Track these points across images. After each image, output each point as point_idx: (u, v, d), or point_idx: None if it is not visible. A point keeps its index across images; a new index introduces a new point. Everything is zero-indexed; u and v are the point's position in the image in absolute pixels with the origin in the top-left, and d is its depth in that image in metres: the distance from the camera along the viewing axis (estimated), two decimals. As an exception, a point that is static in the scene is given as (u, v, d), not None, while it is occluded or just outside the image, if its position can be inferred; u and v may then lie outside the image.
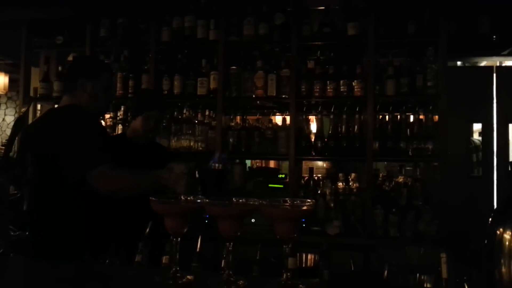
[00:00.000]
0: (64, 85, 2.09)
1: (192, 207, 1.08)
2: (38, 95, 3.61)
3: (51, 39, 3.61)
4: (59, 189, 1.76)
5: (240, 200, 1.10)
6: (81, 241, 1.71)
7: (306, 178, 3.42)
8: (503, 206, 1.36)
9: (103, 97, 1.94)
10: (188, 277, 1.07)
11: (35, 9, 3.60)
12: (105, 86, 1.94)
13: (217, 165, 1.46)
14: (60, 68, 3.60)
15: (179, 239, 1.08)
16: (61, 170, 1.73)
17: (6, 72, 5.93)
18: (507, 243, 1.17)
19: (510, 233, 1.16)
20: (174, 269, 1.06)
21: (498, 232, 1.18)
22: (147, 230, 1.36)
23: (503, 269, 1.18)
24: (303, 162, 3.63)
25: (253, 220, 2.90)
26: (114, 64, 3.49)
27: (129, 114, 3.16)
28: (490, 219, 1.23)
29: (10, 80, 5.98)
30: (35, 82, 3.73)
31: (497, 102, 3.70)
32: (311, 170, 3.41)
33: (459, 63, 4.04)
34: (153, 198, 1.06)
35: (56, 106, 3.12)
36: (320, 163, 4.27)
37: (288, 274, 1.05)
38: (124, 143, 2.34)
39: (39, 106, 3.72)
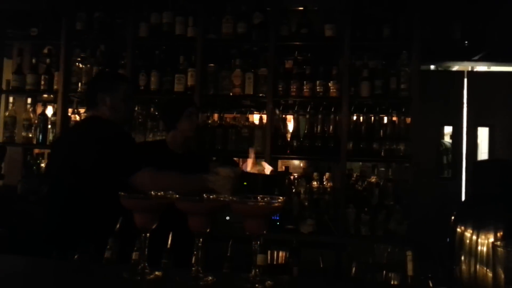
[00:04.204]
0: (86, 103, 2.22)
1: (161, 202, 1.08)
2: (10, 88, 3.53)
3: (25, 30, 3.53)
4: (84, 193, 1.82)
5: (211, 196, 1.11)
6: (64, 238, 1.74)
7: (282, 176, 3.45)
8: (464, 206, 1.42)
9: (123, 107, 2.02)
10: (157, 273, 1.07)
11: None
12: (124, 97, 2.02)
13: (265, 170, 1.46)
14: (34, 60, 3.53)
15: (148, 234, 1.08)
16: (97, 178, 1.79)
17: (-23, 63, 5.75)
18: (467, 241, 1.22)
19: (471, 231, 1.22)
20: (142, 265, 1.07)
21: (459, 230, 1.23)
22: (117, 226, 1.35)
23: (463, 267, 1.23)
24: (279, 161, 3.65)
25: (227, 218, 2.92)
26: (90, 59, 3.45)
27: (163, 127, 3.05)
28: (452, 218, 1.28)
29: (-18, 72, 5.81)
30: (8, 74, 3.64)
31: (467, 106, 3.81)
32: (286, 169, 3.44)
33: (432, 67, 4.14)
34: (122, 193, 1.07)
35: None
36: (296, 162, 4.31)
37: (257, 270, 1.06)
38: (165, 151, 2.36)
39: (11, 99, 3.63)
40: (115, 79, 2.12)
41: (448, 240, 1.29)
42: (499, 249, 0.69)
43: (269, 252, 2.37)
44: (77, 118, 3.45)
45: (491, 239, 1.12)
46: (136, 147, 2.02)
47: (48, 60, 3.53)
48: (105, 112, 1.97)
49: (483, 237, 1.15)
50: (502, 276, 0.68)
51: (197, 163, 2.43)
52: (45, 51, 3.66)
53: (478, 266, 1.15)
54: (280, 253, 2.37)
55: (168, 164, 2.19)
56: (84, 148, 1.86)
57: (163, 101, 3.28)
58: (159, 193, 1.09)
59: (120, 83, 2.05)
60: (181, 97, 3.09)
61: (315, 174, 3.33)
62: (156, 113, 3.36)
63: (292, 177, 3.46)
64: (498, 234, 1.12)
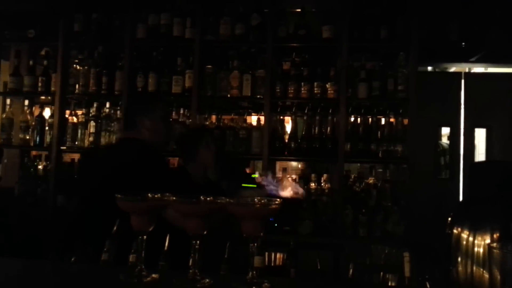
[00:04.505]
0: (124, 125, 2.24)
1: (158, 204, 1.08)
2: (7, 89, 3.52)
3: (22, 32, 3.52)
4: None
5: (208, 198, 1.11)
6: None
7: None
8: (460, 207, 1.42)
9: (163, 128, 2.06)
10: (153, 275, 1.07)
11: (6, 1, 3.51)
12: (162, 117, 2.06)
13: (289, 193, 1.44)
14: (31, 62, 3.52)
15: (145, 237, 1.08)
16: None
17: (-26, 64, 5.74)
18: (464, 242, 1.22)
19: (467, 233, 1.22)
20: (139, 267, 1.06)
21: (455, 231, 1.23)
22: (115, 228, 1.35)
23: (460, 268, 1.23)
24: (277, 162, 3.65)
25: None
26: (88, 60, 3.44)
27: (183, 160, 2.78)
28: (449, 220, 1.28)
29: (-21, 73, 5.79)
30: (5, 76, 3.63)
31: (464, 107, 3.82)
32: (284, 170, 3.44)
33: (429, 68, 4.15)
34: (119, 196, 1.06)
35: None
36: (294, 163, 4.32)
37: (254, 272, 1.06)
38: (188, 182, 2.32)
39: (8, 101, 3.62)
40: (151, 100, 2.23)
41: (444, 241, 1.29)
42: (495, 250, 0.69)
43: (266, 253, 2.36)
44: (75, 119, 3.44)
45: (488, 241, 1.12)
46: (169, 174, 2.04)
47: (45, 62, 3.52)
48: (145, 134, 1.99)
49: (479, 238, 1.15)
50: (498, 277, 0.68)
51: (217, 193, 2.43)
52: (43, 52, 3.66)
53: (474, 267, 1.15)
54: (278, 255, 2.37)
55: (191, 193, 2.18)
56: (120, 172, 1.86)
57: (177, 136, 3.24)
58: (156, 195, 1.09)
59: (156, 104, 2.11)
60: (195, 128, 3.04)
61: (312, 175, 3.32)
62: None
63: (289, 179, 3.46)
64: (495, 236, 1.12)
